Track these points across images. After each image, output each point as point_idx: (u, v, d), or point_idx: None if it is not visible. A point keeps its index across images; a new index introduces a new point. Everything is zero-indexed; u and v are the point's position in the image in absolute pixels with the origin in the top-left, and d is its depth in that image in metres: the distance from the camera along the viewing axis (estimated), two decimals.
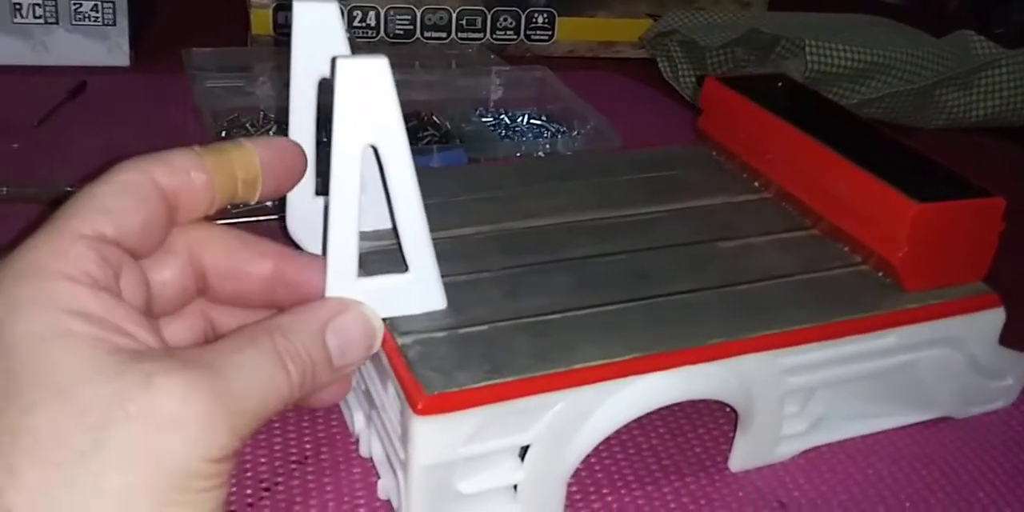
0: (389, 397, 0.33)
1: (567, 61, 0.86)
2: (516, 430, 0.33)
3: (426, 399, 0.31)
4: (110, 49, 0.75)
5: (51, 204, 0.53)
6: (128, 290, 0.28)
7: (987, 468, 0.40)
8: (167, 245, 0.30)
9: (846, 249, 0.42)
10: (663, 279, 0.39)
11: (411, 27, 0.84)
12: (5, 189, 0.54)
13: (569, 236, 0.42)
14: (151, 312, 0.30)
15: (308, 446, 0.38)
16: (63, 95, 0.68)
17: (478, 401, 0.31)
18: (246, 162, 0.31)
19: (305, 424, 0.39)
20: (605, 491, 0.37)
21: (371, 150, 0.32)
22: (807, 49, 0.71)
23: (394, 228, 0.34)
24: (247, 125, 0.65)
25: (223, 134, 0.63)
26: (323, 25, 0.35)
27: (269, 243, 0.33)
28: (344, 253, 0.32)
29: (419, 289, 0.34)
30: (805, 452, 0.40)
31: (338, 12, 0.35)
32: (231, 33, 0.80)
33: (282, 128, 0.65)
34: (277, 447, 0.38)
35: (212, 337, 0.33)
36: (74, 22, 0.73)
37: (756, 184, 0.47)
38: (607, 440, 0.34)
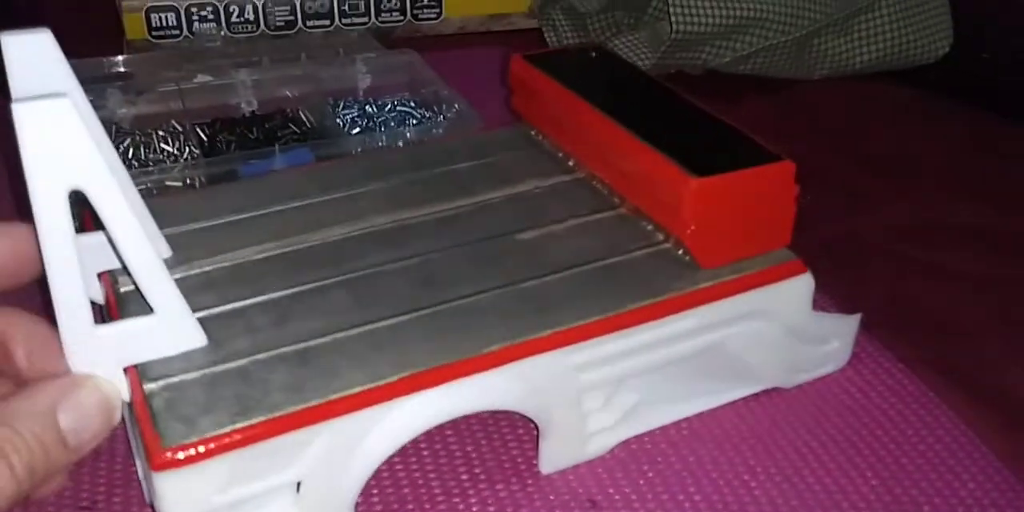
0: (139, 448, 0.32)
1: (460, 38, 0.83)
2: (277, 469, 0.31)
3: (162, 452, 0.29)
4: None
5: None
6: None
7: (816, 440, 0.39)
8: None
9: (650, 228, 0.40)
10: (451, 283, 0.37)
11: (292, 17, 0.81)
12: None
13: (361, 245, 0.40)
14: None
15: (101, 489, 0.37)
16: None
17: (222, 448, 0.30)
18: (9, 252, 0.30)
19: (102, 465, 0.38)
20: (411, 507, 0.36)
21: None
22: (671, 9, 0.68)
23: (125, 270, 0.32)
24: None
25: None
26: (42, 58, 0.33)
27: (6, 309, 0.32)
28: (71, 304, 0.30)
29: (168, 329, 0.33)
30: (625, 445, 0.39)
31: (53, 41, 0.33)
32: (107, 40, 0.77)
33: (137, 140, 0.63)
34: (67, 491, 0.36)
35: None
36: None
37: (571, 164, 0.45)
38: (415, 448, 0.33)
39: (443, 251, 0.39)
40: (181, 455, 0.29)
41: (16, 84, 0.33)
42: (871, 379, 0.42)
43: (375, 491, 0.36)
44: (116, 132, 0.63)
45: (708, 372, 0.40)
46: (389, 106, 0.69)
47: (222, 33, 0.81)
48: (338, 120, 0.65)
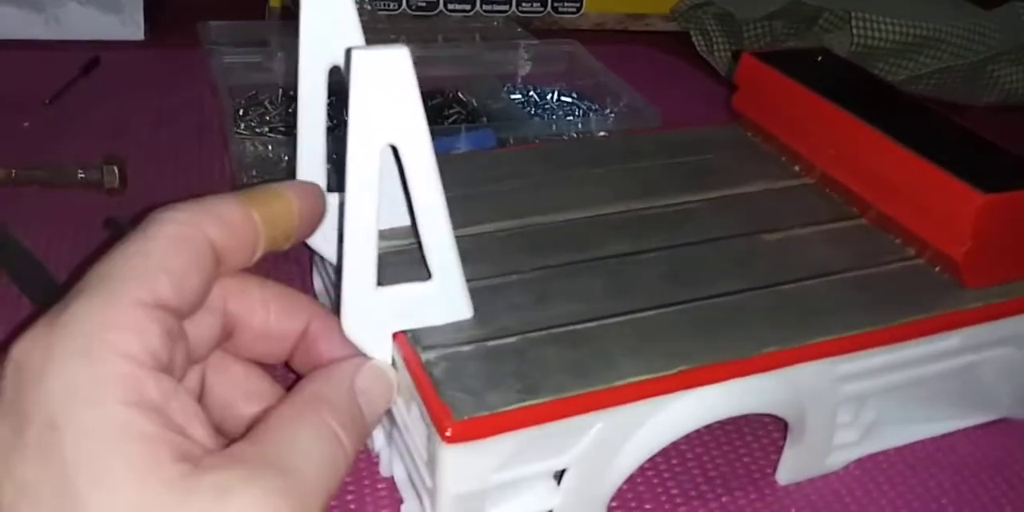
0: (412, 418, 0.31)
1: (595, 35, 0.82)
2: (552, 454, 0.30)
3: (456, 425, 0.28)
4: (124, 22, 0.72)
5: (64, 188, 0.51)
6: (177, 365, 0.25)
7: None
8: None
9: (898, 241, 0.39)
10: (704, 279, 0.36)
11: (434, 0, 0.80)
12: (14, 171, 0.51)
13: (600, 231, 0.38)
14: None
15: None
16: (75, 71, 0.65)
17: (511, 425, 0.28)
18: (287, 214, 0.29)
19: None
20: (648, 507, 0.35)
21: (389, 148, 0.29)
22: (853, 21, 0.67)
23: (415, 231, 0.31)
24: (265, 103, 0.62)
25: (241, 112, 0.60)
26: (334, 5, 0.32)
27: (303, 299, 0.31)
28: (362, 262, 0.29)
29: (443, 298, 0.31)
30: (859, 463, 0.37)
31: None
32: (248, 5, 0.76)
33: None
34: None
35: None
36: None
37: (797, 168, 0.44)
38: None
39: (687, 246, 0.38)
40: (472, 428, 0.28)
41: (306, 31, 0.32)
42: None
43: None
44: (282, 96, 0.62)
45: (947, 396, 0.38)
46: (550, 95, 0.68)
47: (366, 6, 0.80)
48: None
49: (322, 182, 0.35)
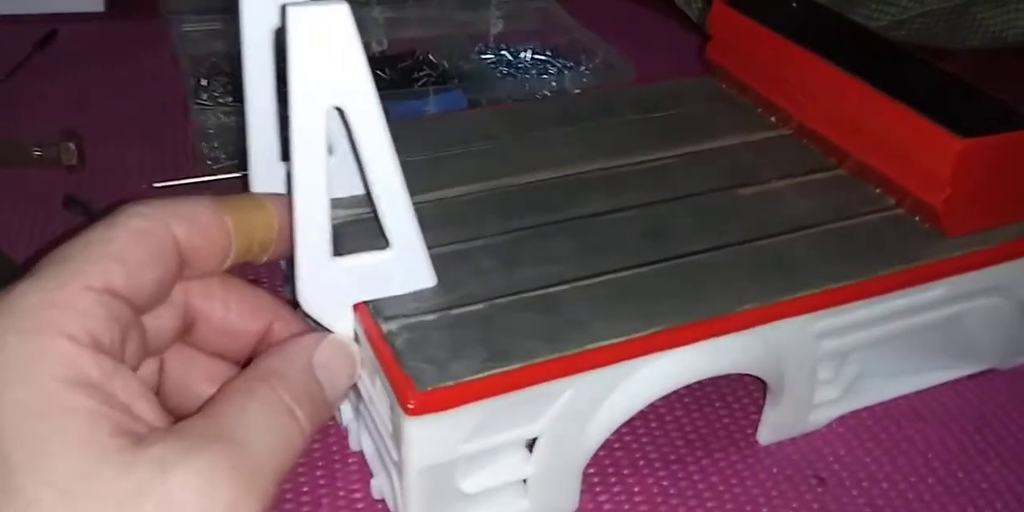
0: (377, 391, 0.30)
1: None
2: (523, 422, 0.29)
3: (418, 396, 0.27)
4: None
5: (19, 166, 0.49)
6: (129, 351, 0.24)
7: None
8: None
9: (877, 191, 0.37)
10: (679, 236, 0.34)
11: None
12: None
13: (571, 191, 0.37)
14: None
15: None
16: (31, 46, 0.63)
17: (478, 394, 0.27)
18: (264, 224, 0.29)
19: None
20: (626, 472, 0.34)
21: (339, 112, 0.27)
22: None
23: (369, 199, 0.29)
24: (227, 71, 0.60)
25: (203, 81, 0.58)
26: None
27: (267, 299, 0.30)
28: (315, 232, 0.28)
29: (404, 266, 0.30)
30: (842, 420, 0.36)
31: None
32: None
33: None
34: None
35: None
36: None
37: (773, 119, 0.43)
38: None
39: (661, 203, 0.37)
40: (436, 400, 0.27)
41: None
42: None
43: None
44: None
45: (932, 348, 0.37)
46: (524, 53, 0.66)
47: None
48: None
49: (275, 151, 0.34)
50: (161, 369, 0.29)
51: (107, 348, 0.23)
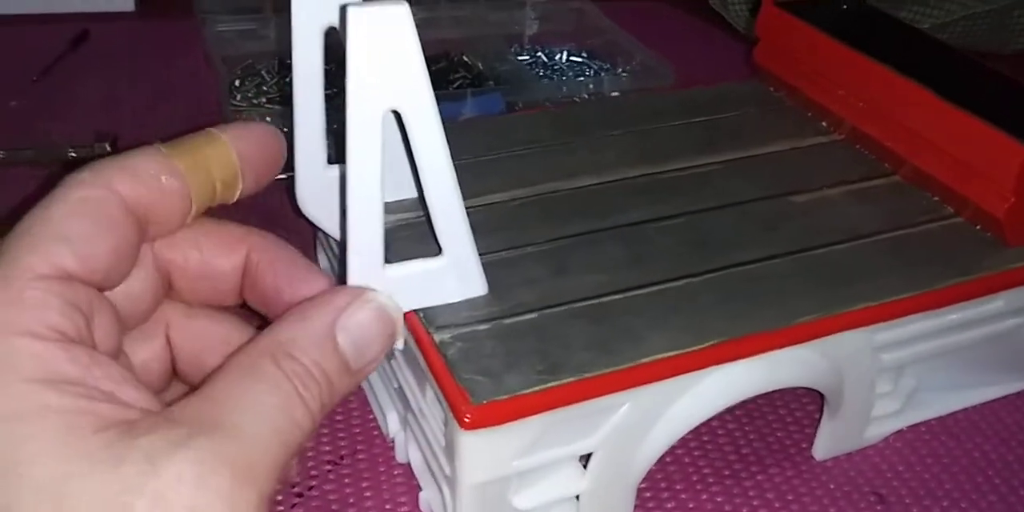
0: (428, 402, 0.29)
1: None
2: (577, 437, 0.28)
3: (474, 410, 0.26)
4: None
5: (54, 168, 0.49)
6: (101, 334, 0.23)
7: None
8: None
9: (935, 199, 0.36)
10: (730, 245, 0.33)
11: None
12: (2, 153, 0.49)
13: (618, 197, 0.36)
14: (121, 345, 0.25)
15: (343, 444, 0.34)
16: (63, 45, 0.62)
17: (535, 408, 0.27)
18: (222, 159, 0.26)
19: (339, 419, 0.35)
20: (679, 488, 0.33)
21: (391, 114, 0.26)
22: None
23: (422, 204, 0.29)
24: (262, 72, 0.59)
25: (237, 82, 0.57)
26: None
27: (238, 231, 0.27)
28: (368, 238, 0.27)
29: (456, 274, 0.29)
30: (900, 435, 0.35)
31: None
32: None
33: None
34: (309, 446, 0.34)
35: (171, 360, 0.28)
36: None
37: (824, 124, 0.42)
38: None
39: (710, 210, 0.36)
40: (492, 413, 0.26)
41: None
42: None
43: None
44: (279, 65, 0.60)
45: (988, 362, 0.36)
46: (559, 55, 0.66)
47: None
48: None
49: (322, 154, 0.33)
50: (169, 344, 0.27)
51: (74, 337, 0.21)
